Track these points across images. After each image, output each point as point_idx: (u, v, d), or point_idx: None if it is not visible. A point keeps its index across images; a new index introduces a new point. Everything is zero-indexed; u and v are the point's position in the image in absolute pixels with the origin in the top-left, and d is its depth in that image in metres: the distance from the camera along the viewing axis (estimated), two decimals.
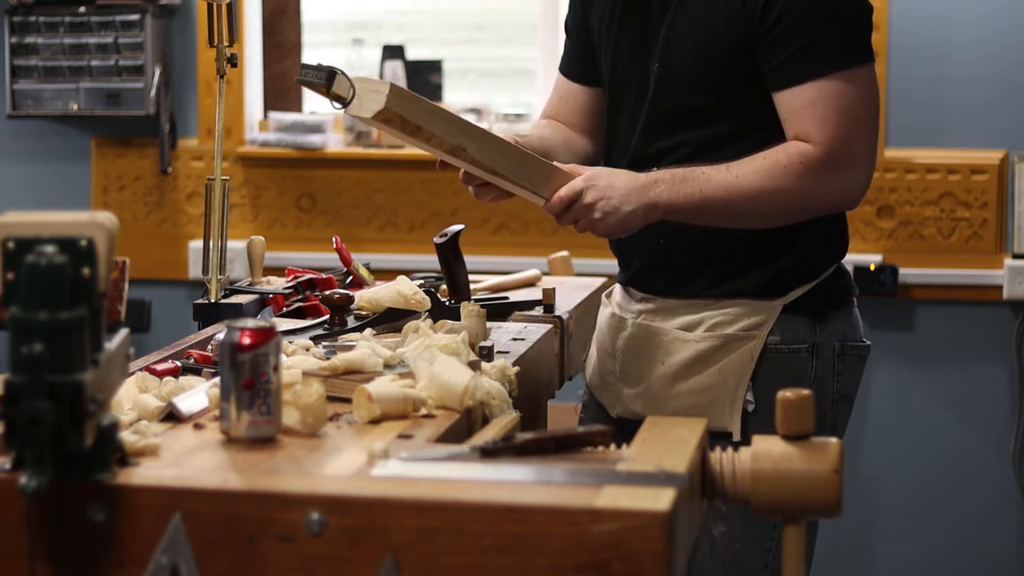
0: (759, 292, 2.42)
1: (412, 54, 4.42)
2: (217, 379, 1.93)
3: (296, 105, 4.52)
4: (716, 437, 2.30)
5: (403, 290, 2.44)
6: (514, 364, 2.18)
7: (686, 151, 2.39)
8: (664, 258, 2.46)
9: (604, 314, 2.61)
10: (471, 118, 4.35)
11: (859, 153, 2.32)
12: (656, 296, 2.49)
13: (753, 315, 2.42)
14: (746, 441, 2.16)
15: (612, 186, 2.28)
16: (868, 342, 2.51)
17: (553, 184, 2.29)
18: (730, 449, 1.81)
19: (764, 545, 2.42)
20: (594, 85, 2.60)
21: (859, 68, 2.33)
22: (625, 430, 2.36)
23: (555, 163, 2.32)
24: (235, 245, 3.38)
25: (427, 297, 2.45)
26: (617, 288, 2.61)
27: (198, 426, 1.88)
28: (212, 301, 2.52)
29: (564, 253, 3.63)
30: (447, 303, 2.50)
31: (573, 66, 2.63)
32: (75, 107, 4.26)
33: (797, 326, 2.42)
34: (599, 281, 2.95)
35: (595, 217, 2.28)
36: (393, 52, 4.40)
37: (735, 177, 2.29)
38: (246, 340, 1.79)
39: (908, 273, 4.00)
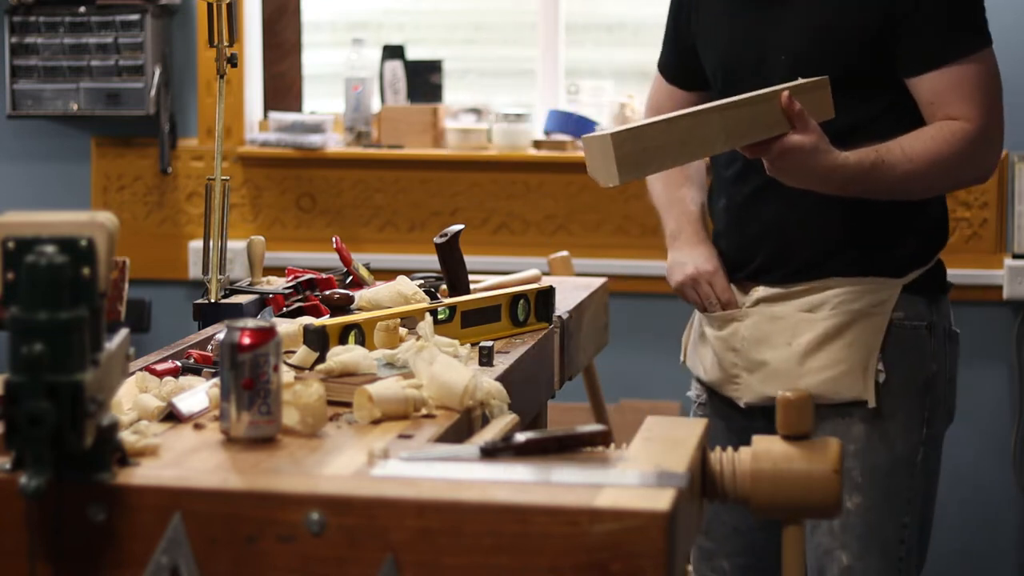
0: (881, 273, 2.53)
1: (412, 54, 4.42)
2: (217, 379, 1.93)
3: (296, 105, 4.52)
4: (849, 407, 2.51)
5: (403, 290, 2.44)
6: (514, 364, 2.18)
7: None
8: (790, 250, 2.56)
9: (708, 314, 2.66)
10: (471, 118, 4.39)
11: (999, 128, 2.50)
12: (775, 285, 2.57)
13: (877, 293, 2.53)
14: (879, 411, 2.50)
15: (796, 170, 2.36)
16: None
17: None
18: (730, 449, 1.81)
19: (901, 519, 2.52)
20: (701, 89, 2.70)
21: (987, 48, 2.50)
22: (758, 416, 2.56)
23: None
24: (235, 245, 3.38)
25: (427, 297, 2.45)
26: None
27: (198, 426, 1.88)
28: (212, 301, 2.51)
29: (564, 253, 3.63)
30: None
31: (679, 73, 2.73)
32: (75, 107, 4.26)
33: (917, 305, 2.55)
34: (599, 281, 2.94)
35: (770, 173, 2.39)
36: (393, 52, 4.40)
37: (910, 162, 2.42)
38: (246, 340, 1.79)
39: None
